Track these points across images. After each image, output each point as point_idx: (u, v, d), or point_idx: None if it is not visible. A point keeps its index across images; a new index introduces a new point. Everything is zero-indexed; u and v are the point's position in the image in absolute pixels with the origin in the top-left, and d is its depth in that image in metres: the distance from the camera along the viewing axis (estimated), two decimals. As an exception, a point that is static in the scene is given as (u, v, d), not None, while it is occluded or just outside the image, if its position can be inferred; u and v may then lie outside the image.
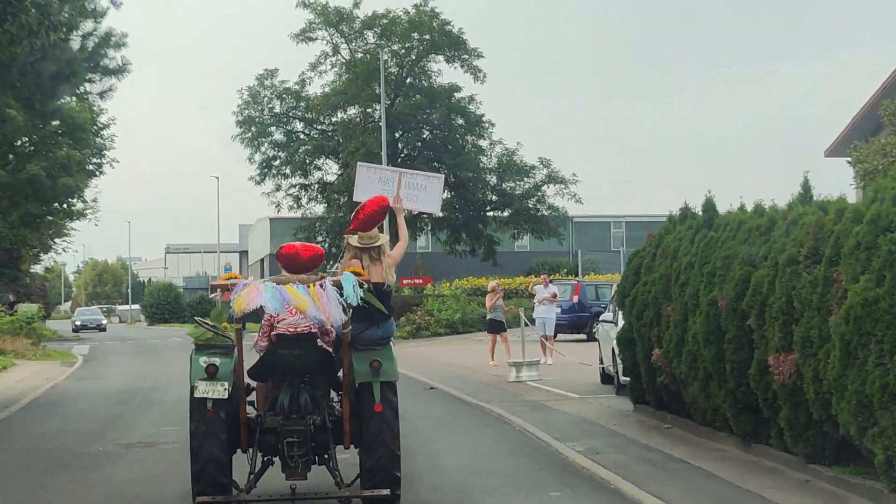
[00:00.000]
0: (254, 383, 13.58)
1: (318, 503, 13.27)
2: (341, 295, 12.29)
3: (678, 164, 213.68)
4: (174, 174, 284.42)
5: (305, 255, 13.07)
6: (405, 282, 65.02)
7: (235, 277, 13.10)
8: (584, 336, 48.65)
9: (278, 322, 12.97)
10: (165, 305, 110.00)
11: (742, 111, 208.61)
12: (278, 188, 72.98)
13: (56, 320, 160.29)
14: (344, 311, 12.36)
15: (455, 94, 69.86)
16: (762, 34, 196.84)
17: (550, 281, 38.53)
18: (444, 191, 16.05)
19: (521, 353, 31.27)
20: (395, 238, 13.97)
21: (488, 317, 36.73)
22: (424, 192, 15.22)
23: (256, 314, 12.68)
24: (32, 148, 49.57)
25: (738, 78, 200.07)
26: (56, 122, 52.65)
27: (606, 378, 27.57)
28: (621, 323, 25.08)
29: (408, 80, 70.55)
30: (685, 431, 19.03)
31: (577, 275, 71.68)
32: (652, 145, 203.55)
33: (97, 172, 62.51)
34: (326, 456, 13.05)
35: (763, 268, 15.29)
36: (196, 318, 13.56)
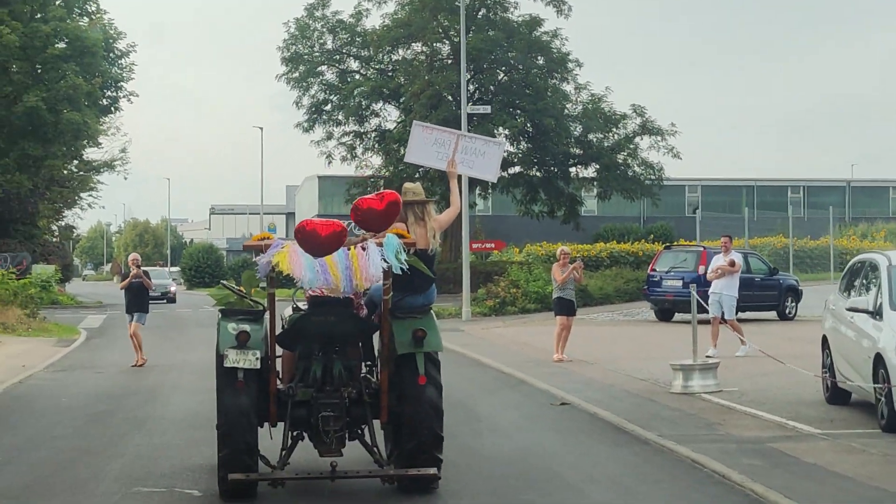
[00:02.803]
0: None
1: (357, 481, 12.35)
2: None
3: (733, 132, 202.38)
4: (223, 133, 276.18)
5: (324, 234, 11.31)
6: (475, 246, 55.50)
7: (268, 238, 11.91)
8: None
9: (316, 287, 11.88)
10: (205, 268, 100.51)
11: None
12: (329, 136, 63.41)
13: (97, 282, 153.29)
14: (385, 275, 11.56)
15: (537, 28, 59.95)
16: None
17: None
18: (502, 158, 17.13)
19: (693, 352, 21.37)
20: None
21: (555, 294, 27.27)
22: (482, 158, 14.02)
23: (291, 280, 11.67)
24: (32, 78, 40.46)
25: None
26: (61, 45, 43.64)
27: (837, 396, 18.00)
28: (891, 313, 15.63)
29: (480, 13, 60.58)
30: None
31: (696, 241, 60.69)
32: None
33: (112, 108, 52.76)
34: (360, 431, 12.38)
35: None
36: (222, 282, 13.12)
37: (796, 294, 40.10)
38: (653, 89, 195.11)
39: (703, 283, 38.54)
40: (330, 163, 64.04)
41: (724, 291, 26.69)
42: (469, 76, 59.46)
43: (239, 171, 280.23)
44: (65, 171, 70.00)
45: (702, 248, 40.02)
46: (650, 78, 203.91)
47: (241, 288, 12.75)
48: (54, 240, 76.26)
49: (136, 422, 17.85)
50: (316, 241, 11.33)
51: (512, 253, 67.85)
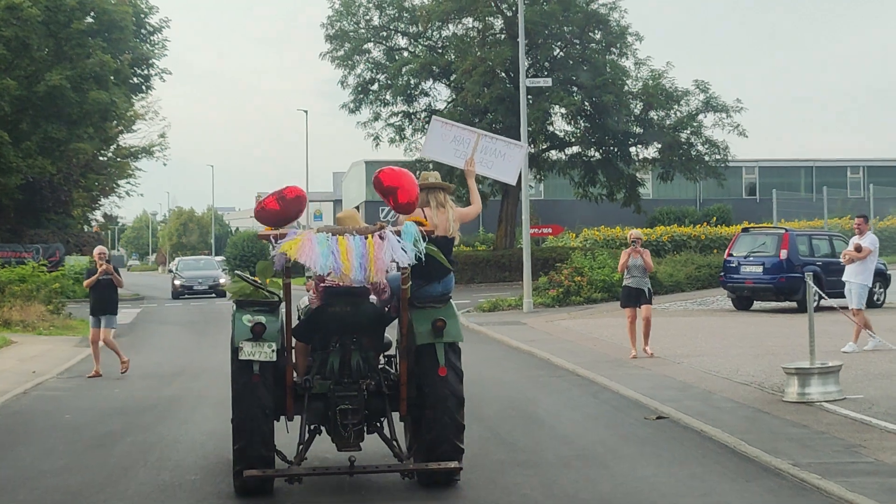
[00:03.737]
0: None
1: (376, 475, 12.07)
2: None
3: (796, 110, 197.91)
4: (270, 120, 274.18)
5: (269, 207, 11.39)
6: (531, 231, 52.22)
7: None
8: (794, 304, 35.66)
9: (328, 274, 11.33)
10: (250, 257, 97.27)
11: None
12: (377, 117, 60.12)
13: (142, 272, 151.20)
14: (399, 267, 11.25)
15: (594, 0, 56.50)
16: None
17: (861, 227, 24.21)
18: (524, 161, 15.44)
19: (809, 352, 17.99)
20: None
21: (624, 282, 24.49)
22: (502, 160, 13.48)
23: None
24: (55, 55, 37.28)
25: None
26: (87, 20, 40.59)
27: None
28: None
29: (534, -16, 57.06)
30: None
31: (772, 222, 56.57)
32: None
33: (143, 87, 49.56)
34: (379, 424, 12.03)
35: None
36: (236, 273, 12.68)
37: (885, 279, 36.68)
38: (698, 67, 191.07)
39: (784, 269, 35.42)
40: (377, 145, 60.78)
41: (851, 279, 23.48)
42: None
43: (286, 159, 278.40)
44: (101, 158, 67.36)
45: (783, 231, 36.58)
46: (694, 56, 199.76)
47: (256, 278, 12.20)
48: (92, 229, 73.46)
49: (146, 448, 14.74)
50: (280, 215, 11.34)
51: (568, 238, 64.69)
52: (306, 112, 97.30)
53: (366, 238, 11.12)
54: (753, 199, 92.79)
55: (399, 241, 11.17)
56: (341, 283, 11.52)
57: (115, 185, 72.70)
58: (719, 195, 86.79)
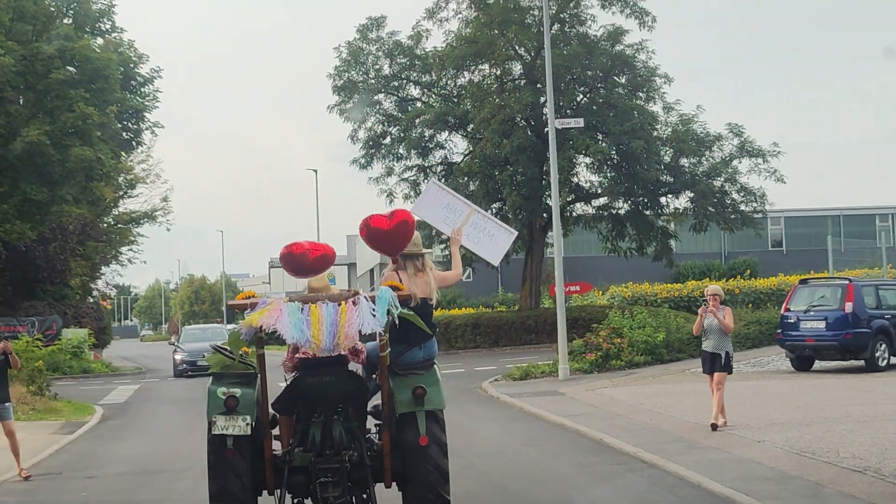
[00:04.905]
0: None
1: None
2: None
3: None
4: (279, 185, 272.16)
5: (314, 255, 11.53)
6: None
7: (253, 296, 11.39)
8: (862, 363, 31.96)
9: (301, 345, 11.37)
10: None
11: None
12: (389, 172, 56.53)
13: (155, 342, 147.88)
14: (378, 334, 11.11)
15: (621, 41, 52.97)
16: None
17: None
18: (510, 246, 13.95)
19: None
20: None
21: (702, 346, 21.21)
22: (489, 240, 13.42)
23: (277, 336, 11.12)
24: (33, 108, 33.87)
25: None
26: (69, 69, 37.09)
27: None
28: None
29: (555, 27, 53.46)
30: None
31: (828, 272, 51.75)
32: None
33: (133, 143, 45.91)
34: (365, 496, 11.63)
35: None
36: (212, 345, 12.61)
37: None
38: (730, 109, 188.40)
39: (849, 323, 31.72)
40: (391, 202, 57.03)
41: None
42: (544, 98, 52.53)
43: (298, 223, 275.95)
44: (102, 224, 64.04)
45: (847, 282, 32.80)
46: (722, 98, 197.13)
47: (231, 349, 11.73)
48: (98, 300, 69.85)
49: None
50: (304, 265, 11.41)
51: (594, 296, 61.16)
52: (316, 172, 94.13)
53: (339, 305, 10.82)
54: (780, 250, 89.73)
55: (372, 307, 10.83)
56: (313, 354, 11.22)
57: (116, 253, 69.34)
58: (744, 248, 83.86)
